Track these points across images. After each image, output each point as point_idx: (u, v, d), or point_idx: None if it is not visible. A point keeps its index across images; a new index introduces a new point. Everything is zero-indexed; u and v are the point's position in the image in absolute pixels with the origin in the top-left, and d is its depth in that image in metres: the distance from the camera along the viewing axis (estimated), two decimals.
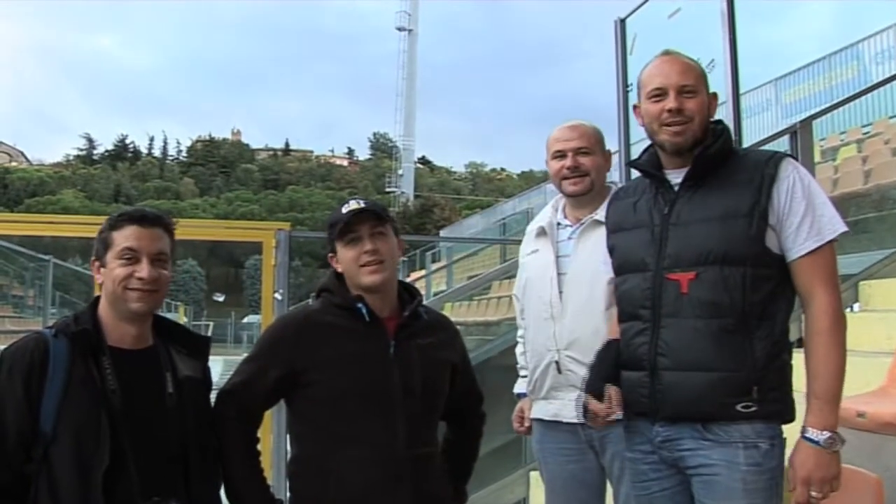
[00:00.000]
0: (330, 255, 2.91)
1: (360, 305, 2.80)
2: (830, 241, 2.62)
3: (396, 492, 2.72)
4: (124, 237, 2.58)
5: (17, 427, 2.39)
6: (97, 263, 2.63)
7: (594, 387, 2.85)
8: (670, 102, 2.72)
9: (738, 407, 2.56)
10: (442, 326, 3.04)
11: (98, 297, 2.66)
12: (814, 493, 2.49)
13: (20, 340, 2.53)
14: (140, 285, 2.56)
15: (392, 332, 2.82)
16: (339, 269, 2.88)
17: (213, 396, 2.87)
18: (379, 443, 2.73)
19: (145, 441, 2.50)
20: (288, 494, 2.91)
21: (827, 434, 2.51)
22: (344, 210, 2.85)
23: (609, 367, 2.87)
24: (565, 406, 3.35)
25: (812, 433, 2.52)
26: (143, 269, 2.56)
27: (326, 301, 2.89)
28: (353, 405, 2.74)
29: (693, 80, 2.75)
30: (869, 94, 11.10)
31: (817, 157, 9.88)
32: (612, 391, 2.81)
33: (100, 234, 2.64)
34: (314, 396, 2.77)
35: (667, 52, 2.84)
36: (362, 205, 2.86)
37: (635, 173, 3.00)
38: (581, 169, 3.45)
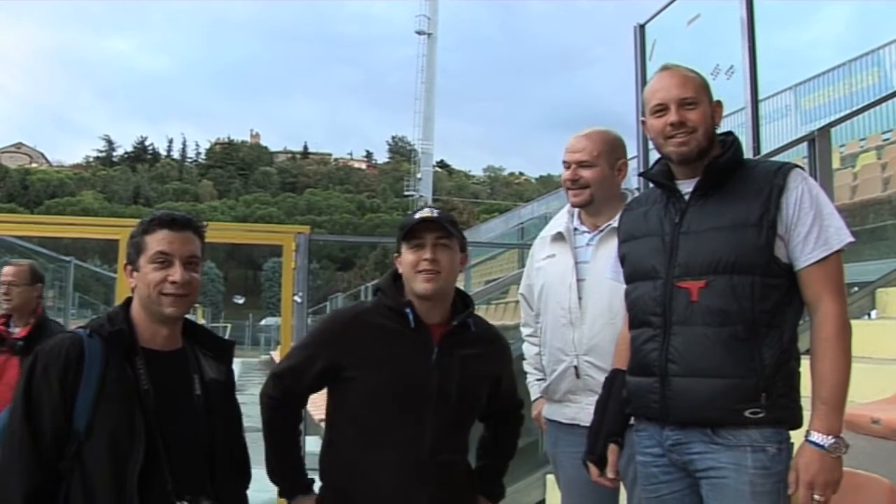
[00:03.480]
0: (395, 255, 2.98)
1: (407, 311, 2.87)
2: (837, 251, 2.66)
3: (416, 496, 2.79)
4: (157, 241, 2.61)
5: (53, 425, 2.43)
6: (129, 268, 2.66)
7: (596, 451, 2.95)
8: (672, 116, 2.77)
9: (747, 413, 2.59)
10: (490, 339, 3.09)
11: (130, 299, 2.69)
12: (817, 497, 2.51)
13: (54, 339, 2.57)
14: (174, 289, 2.59)
15: (437, 339, 2.88)
16: (401, 271, 2.95)
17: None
18: (404, 446, 2.80)
19: (177, 441, 2.55)
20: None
21: (832, 438, 2.53)
22: (417, 216, 2.92)
23: (613, 419, 2.96)
24: (583, 410, 3.37)
25: (817, 437, 2.54)
26: (176, 273, 2.59)
27: (379, 301, 2.98)
28: (387, 405, 2.82)
29: (693, 92, 2.78)
30: (889, 101, 11.06)
31: (836, 164, 9.85)
32: (612, 455, 2.92)
33: (131, 239, 2.67)
34: (353, 392, 2.87)
35: (665, 67, 2.88)
36: (434, 214, 2.93)
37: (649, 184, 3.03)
38: (580, 182, 3.47)
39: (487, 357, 3.00)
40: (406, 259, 2.90)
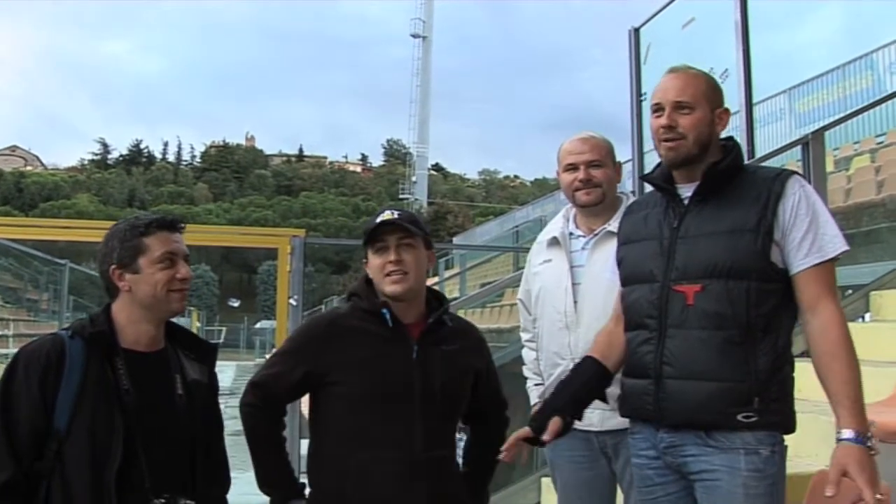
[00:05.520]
0: (364, 259, 2.99)
1: (384, 311, 2.88)
2: (832, 259, 2.66)
3: (413, 493, 2.80)
4: (160, 243, 2.67)
5: (31, 424, 2.46)
6: (119, 271, 2.67)
7: (538, 420, 2.87)
8: (663, 119, 2.77)
9: (740, 416, 2.59)
10: (466, 333, 3.12)
11: (110, 302, 2.72)
12: (879, 496, 2.45)
13: (37, 340, 2.62)
14: (181, 285, 2.69)
15: (416, 338, 2.89)
16: (371, 276, 2.96)
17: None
18: (397, 444, 2.81)
19: (156, 440, 2.59)
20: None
21: (869, 434, 2.51)
22: (378, 219, 2.93)
23: (566, 398, 2.89)
24: None
25: (859, 436, 2.49)
26: (184, 269, 2.70)
27: (355, 305, 2.99)
28: (374, 407, 2.83)
29: (689, 97, 2.75)
30: (883, 105, 11.08)
31: (830, 167, 9.88)
32: (553, 425, 2.81)
33: (123, 243, 2.68)
34: (337, 396, 2.87)
35: (673, 69, 2.87)
36: (395, 216, 2.92)
37: (648, 186, 3.03)
38: (593, 181, 3.49)
39: (466, 351, 3.02)
40: (372, 263, 2.93)
